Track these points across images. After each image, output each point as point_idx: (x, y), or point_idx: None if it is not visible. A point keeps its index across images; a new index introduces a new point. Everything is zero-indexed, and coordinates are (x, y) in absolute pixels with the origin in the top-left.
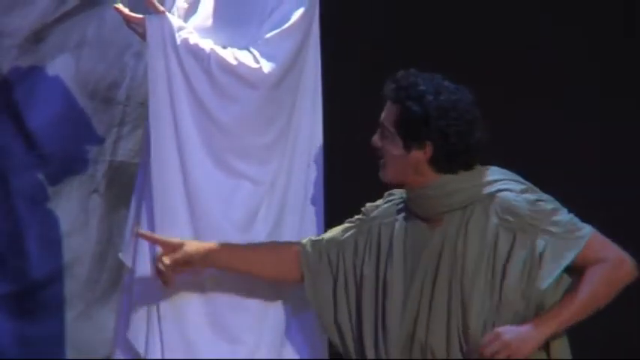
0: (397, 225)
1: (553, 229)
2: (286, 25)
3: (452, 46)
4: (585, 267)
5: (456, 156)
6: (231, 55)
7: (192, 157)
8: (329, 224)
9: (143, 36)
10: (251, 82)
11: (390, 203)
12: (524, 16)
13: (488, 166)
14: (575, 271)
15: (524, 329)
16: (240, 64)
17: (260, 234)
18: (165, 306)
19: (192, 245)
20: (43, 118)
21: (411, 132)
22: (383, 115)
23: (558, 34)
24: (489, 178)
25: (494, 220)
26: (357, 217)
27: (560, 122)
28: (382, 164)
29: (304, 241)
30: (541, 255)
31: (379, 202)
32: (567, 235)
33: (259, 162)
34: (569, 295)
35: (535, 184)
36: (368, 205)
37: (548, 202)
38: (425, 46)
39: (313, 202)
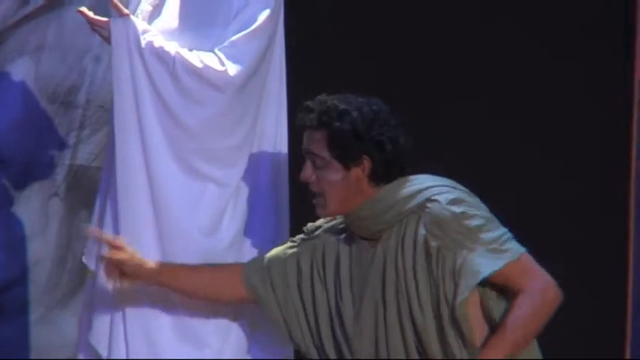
0: (341, 246)
1: (474, 246)
2: (252, 28)
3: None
4: (510, 290)
5: (393, 163)
6: (197, 57)
7: (157, 159)
8: (293, 228)
9: (107, 39)
10: (216, 85)
11: (331, 223)
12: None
13: (418, 175)
14: (501, 291)
15: None
16: (206, 66)
17: (225, 237)
18: (129, 309)
19: (139, 257)
20: (2, 122)
21: (346, 151)
22: (307, 146)
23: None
24: (419, 187)
25: (422, 231)
26: (299, 236)
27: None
28: (319, 201)
29: (247, 263)
30: (457, 271)
31: (320, 221)
32: (487, 253)
33: (225, 165)
34: (498, 333)
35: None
36: (309, 224)
37: (475, 218)
38: (388, 47)
39: (279, 205)
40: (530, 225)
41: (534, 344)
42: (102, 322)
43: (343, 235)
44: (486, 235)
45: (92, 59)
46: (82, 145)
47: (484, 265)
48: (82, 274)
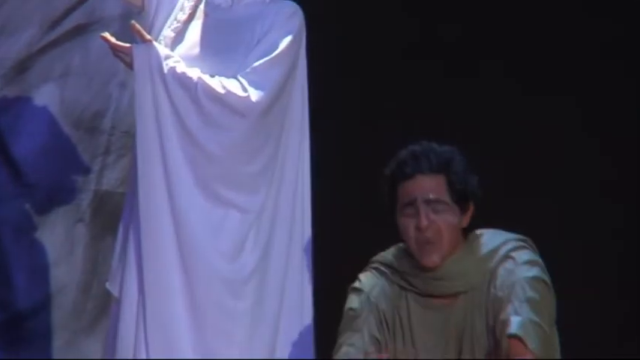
0: (411, 307)
1: (522, 311)
2: (274, 54)
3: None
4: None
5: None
6: (219, 83)
7: (179, 185)
8: (317, 255)
9: (130, 65)
10: (239, 111)
11: (384, 278)
12: None
13: (488, 230)
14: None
15: None
16: (228, 92)
17: (247, 264)
18: (152, 337)
19: None
20: (28, 148)
21: (462, 197)
22: (427, 192)
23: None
24: (496, 243)
25: (493, 290)
26: (355, 295)
27: None
28: (432, 248)
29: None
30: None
31: (368, 274)
32: (528, 326)
33: (247, 191)
34: None
35: None
36: (362, 277)
37: (544, 289)
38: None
39: (301, 231)
40: None
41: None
42: (126, 349)
43: (407, 293)
44: (536, 312)
45: (117, 85)
46: (108, 170)
47: (517, 328)
48: (106, 299)
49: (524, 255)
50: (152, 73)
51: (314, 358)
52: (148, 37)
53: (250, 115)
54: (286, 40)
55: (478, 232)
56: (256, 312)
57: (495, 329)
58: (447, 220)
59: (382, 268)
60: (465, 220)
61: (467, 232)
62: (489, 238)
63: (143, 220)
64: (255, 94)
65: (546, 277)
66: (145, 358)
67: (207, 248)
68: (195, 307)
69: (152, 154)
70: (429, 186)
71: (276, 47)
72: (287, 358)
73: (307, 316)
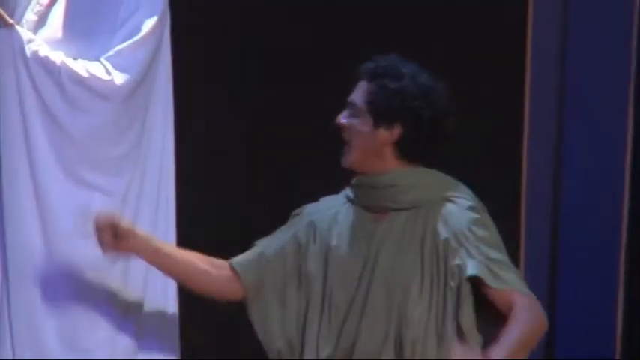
0: (340, 216)
1: (474, 252)
2: (138, 37)
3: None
4: (503, 311)
5: (423, 143)
6: (83, 67)
7: (43, 169)
8: (180, 237)
9: None
10: (103, 94)
11: (327, 200)
12: None
13: (446, 175)
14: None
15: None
16: (92, 76)
17: None
18: (17, 311)
19: (144, 233)
20: None
21: (382, 109)
22: (353, 94)
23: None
24: (446, 184)
25: (433, 223)
26: (292, 217)
27: None
28: (345, 150)
29: (240, 259)
30: (455, 272)
31: (311, 205)
32: (485, 265)
33: (112, 174)
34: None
35: None
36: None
37: (486, 230)
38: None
39: (165, 215)
40: None
41: None
42: None
43: (343, 205)
44: (490, 251)
45: None
46: None
47: (476, 269)
48: None
49: (468, 202)
50: (15, 57)
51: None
52: (11, 20)
53: (114, 98)
54: (151, 21)
55: (441, 174)
56: (121, 294)
57: (447, 273)
58: (354, 126)
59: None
60: (386, 137)
61: (412, 155)
62: (441, 176)
63: (6, 204)
64: (119, 77)
65: (489, 221)
66: (8, 335)
67: (72, 231)
68: (59, 289)
69: (15, 138)
70: (357, 88)
71: (140, 29)
72: (155, 339)
73: (172, 297)
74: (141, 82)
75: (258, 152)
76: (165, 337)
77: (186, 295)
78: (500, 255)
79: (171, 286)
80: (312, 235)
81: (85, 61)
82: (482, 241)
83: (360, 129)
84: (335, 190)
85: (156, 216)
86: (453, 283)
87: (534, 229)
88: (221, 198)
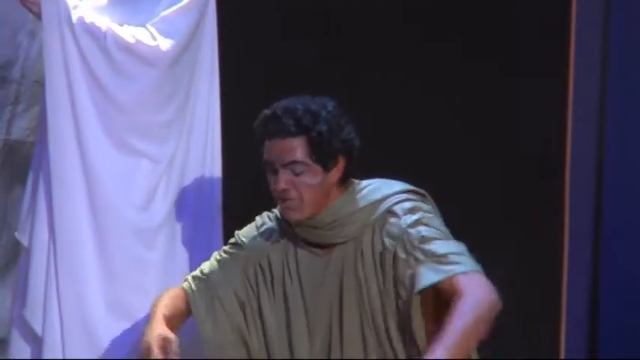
0: (288, 254)
1: (420, 255)
2: (183, 2)
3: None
4: (450, 300)
5: (355, 163)
6: (128, 32)
7: (89, 136)
8: (226, 203)
9: (38, 15)
10: (149, 60)
11: (265, 230)
12: None
13: (371, 180)
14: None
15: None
16: (138, 41)
17: (158, 214)
18: (63, 285)
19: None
20: None
21: (327, 153)
22: (282, 155)
23: None
24: (377, 196)
25: (378, 239)
26: (230, 248)
27: None
28: (292, 204)
29: (189, 283)
30: (405, 281)
31: (251, 229)
32: (433, 265)
33: (157, 140)
34: (441, 338)
35: None
36: (240, 233)
37: (428, 227)
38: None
39: (210, 180)
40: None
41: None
42: (36, 298)
43: (287, 242)
44: (433, 247)
45: (27, 34)
46: (17, 120)
47: (425, 277)
48: (16, 249)
49: (406, 204)
50: (60, 23)
51: None
52: None
53: (160, 64)
54: None
55: (365, 182)
56: (167, 262)
57: (398, 286)
58: (306, 182)
59: (278, 215)
60: (335, 176)
61: (349, 179)
62: (374, 189)
63: (53, 170)
64: (164, 43)
65: (428, 211)
66: (56, 309)
67: (118, 198)
68: (106, 257)
69: (61, 104)
70: (287, 149)
71: None
72: None
73: None
74: (186, 48)
75: None
76: None
77: None
78: (444, 245)
79: (217, 245)
80: (262, 274)
81: (131, 27)
82: (424, 241)
83: (312, 182)
84: None
85: (201, 183)
86: (404, 294)
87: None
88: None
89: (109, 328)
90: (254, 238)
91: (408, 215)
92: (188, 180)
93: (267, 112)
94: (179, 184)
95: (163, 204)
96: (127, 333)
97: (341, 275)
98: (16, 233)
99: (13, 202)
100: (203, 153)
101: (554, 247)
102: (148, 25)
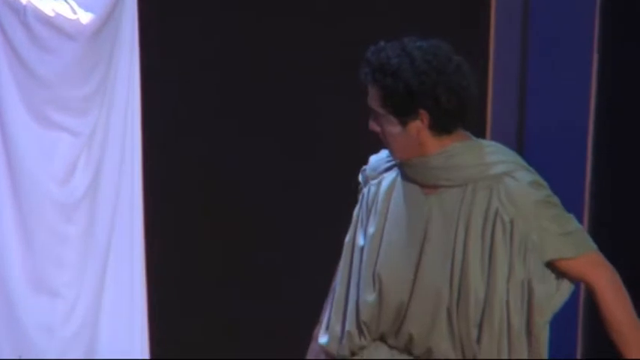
0: (384, 183)
1: (550, 229)
2: None
3: None
4: (583, 281)
5: (453, 113)
6: (48, 6)
7: (9, 110)
8: (146, 175)
9: None
10: (69, 34)
11: (378, 161)
12: None
13: (495, 143)
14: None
15: None
16: (58, 15)
17: (79, 187)
18: None
19: None
20: None
21: (400, 107)
22: (369, 99)
23: None
24: (495, 157)
25: (495, 203)
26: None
27: None
28: (387, 147)
29: None
30: (529, 248)
31: (372, 160)
32: (562, 239)
33: (78, 114)
34: (619, 340)
35: None
36: (367, 166)
37: (556, 207)
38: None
39: (131, 155)
40: None
41: None
42: None
43: (390, 173)
44: (560, 226)
45: None
46: None
47: (556, 248)
48: None
49: (527, 175)
50: None
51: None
52: None
53: (80, 37)
54: None
55: (483, 141)
56: (87, 237)
57: (512, 255)
58: (386, 130)
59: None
60: (418, 126)
61: (449, 131)
62: (494, 149)
63: None
64: (85, 17)
65: (554, 198)
66: None
67: (39, 172)
68: (26, 231)
69: None
70: (370, 94)
71: None
72: (117, 280)
73: (138, 237)
74: (106, 22)
75: (230, 96)
76: (132, 268)
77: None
78: (571, 224)
79: (138, 216)
80: (362, 207)
81: (51, 0)
82: (554, 221)
83: (392, 132)
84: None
85: (122, 156)
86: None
87: None
88: (187, 139)
89: (28, 301)
90: (370, 167)
91: (535, 189)
92: (109, 154)
93: (366, 55)
94: (100, 158)
95: (84, 178)
96: (48, 306)
97: (433, 218)
98: None
99: None
100: (123, 127)
101: None
102: None
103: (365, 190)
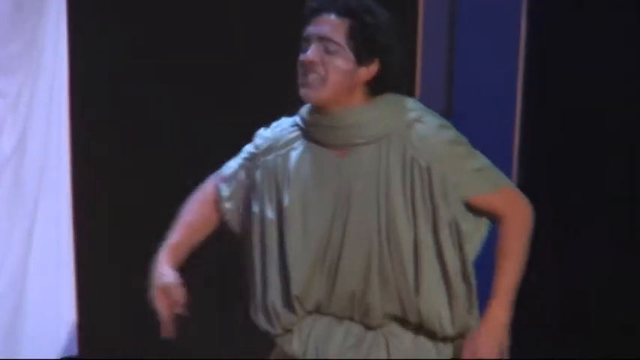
0: (294, 153)
1: (463, 168)
2: None
3: None
4: (497, 216)
5: (392, 76)
6: None
7: None
8: (73, 137)
9: None
10: None
11: (281, 132)
12: None
13: (404, 97)
14: (484, 214)
15: (488, 329)
16: None
17: (5, 147)
18: None
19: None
20: None
21: (365, 46)
22: (321, 30)
23: None
24: (407, 106)
25: (410, 150)
26: (249, 150)
27: None
28: (313, 82)
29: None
30: (449, 189)
31: (267, 132)
32: (477, 175)
33: (5, 73)
34: (501, 266)
35: None
36: (258, 136)
37: (464, 146)
38: None
39: (58, 118)
40: None
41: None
42: None
43: (299, 143)
44: (474, 163)
45: None
46: None
47: (475, 185)
48: None
49: (435, 119)
50: None
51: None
52: None
53: None
54: None
55: (398, 96)
56: (13, 197)
57: (434, 198)
58: (335, 64)
59: (298, 121)
60: (365, 74)
61: (380, 92)
62: (396, 99)
63: None
64: None
65: (462, 137)
66: None
67: None
68: None
69: None
70: (329, 24)
71: None
72: (45, 241)
73: (65, 197)
74: None
75: (160, 58)
76: (59, 226)
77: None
78: (481, 160)
79: (64, 174)
80: (268, 176)
81: None
82: (467, 158)
83: (342, 66)
84: None
85: (49, 119)
86: (443, 203)
87: None
88: (114, 103)
89: None
90: (267, 139)
91: (442, 131)
92: (36, 116)
93: None
94: (26, 119)
95: (10, 138)
96: None
97: (352, 177)
98: None
99: None
100: (50, 89)
101: None
102: None
103: (269, 159)
